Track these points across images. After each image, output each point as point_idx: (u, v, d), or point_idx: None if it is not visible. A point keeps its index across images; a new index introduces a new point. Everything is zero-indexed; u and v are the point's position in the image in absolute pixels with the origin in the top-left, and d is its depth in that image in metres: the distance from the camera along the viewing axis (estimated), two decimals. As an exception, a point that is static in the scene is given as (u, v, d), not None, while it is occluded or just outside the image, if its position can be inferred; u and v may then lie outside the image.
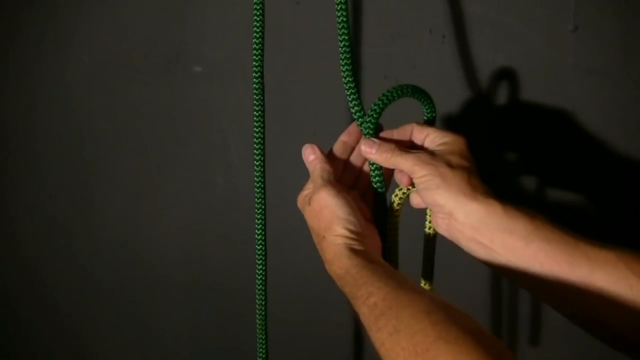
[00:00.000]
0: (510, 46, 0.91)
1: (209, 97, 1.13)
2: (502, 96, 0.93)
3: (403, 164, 0.71)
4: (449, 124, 0.97)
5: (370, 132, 0.75)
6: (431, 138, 0.74)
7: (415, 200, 0.76)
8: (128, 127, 1.24)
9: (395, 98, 0.74)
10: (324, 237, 0.71)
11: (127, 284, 1.38)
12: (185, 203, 1.25)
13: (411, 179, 0.73)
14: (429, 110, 0.78)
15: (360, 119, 0.76)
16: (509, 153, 0.96)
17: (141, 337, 1.42)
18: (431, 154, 0.71)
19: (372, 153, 0.74)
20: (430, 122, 0.78)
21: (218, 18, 1.08)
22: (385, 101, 0.73)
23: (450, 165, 0.69)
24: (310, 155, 0.77)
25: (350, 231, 0.70)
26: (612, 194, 0.92)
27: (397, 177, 0.75)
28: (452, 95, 0.95)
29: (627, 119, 0.89)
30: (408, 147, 0.74)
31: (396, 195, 0.77)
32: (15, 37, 1.29)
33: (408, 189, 0.75)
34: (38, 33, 1.26)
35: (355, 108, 0.75)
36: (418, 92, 0.75)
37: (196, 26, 1.10)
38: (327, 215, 0.71)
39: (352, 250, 0.69)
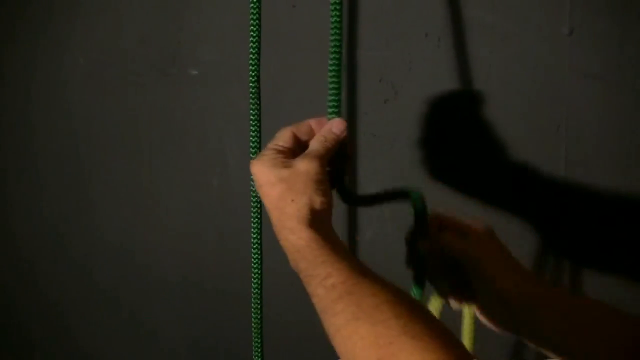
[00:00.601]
0: (505, 49, 0.91)
1: (205, 100, 1.13)
2: (497, 99, 0.93)
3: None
4: (444, 127, 0.97)
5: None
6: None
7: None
8: (124, 130, 1.24)
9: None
10: (292, 200, 0.67)
11: (123, 286, 1.38)
12: (182, 205, 1.25)
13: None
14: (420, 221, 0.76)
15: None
16: (504, 156, 0.96)
17: (137, 338, 1.42)
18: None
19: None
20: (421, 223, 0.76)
21: (215, 21, 1.08)
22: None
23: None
24: (342, 131, 0.74)
25: (322, 206, 0.67)
26: (608, 196, 0.93)
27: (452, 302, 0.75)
28: (447, 98, 0.96)
29: (623, 122, 0.89)
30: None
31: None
32: (11, 38, 1.29)
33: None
34: (34, 35, 1.26)
35: (333, 110, 0.75)
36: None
37: (193, 29, 1.10)
38: (310, 183, 0.67)
39: (317, 224, 0.66)
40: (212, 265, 1.26)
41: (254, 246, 0.88)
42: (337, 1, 0.74)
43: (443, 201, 1.00)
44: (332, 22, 0.74)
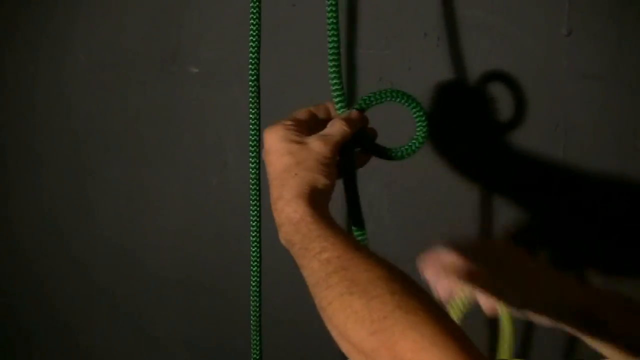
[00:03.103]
0: (504, 50, 0.91)
1: (205, 98, 1.14)
2: (495, 100, 0.93)
3: None
4: (443, 127, 0.97)
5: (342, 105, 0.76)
6: None
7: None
8: (124, 127, 1.24)
9: (380, 101, 0.76)
10: (296, 174, 0.68)
11: (122, 284, 1.38)
12: (181, 203, 1.25)
13: None
14: (420, 127, 0.79)
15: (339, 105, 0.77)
16: (502, 157, 0.96)
17: (135, 336, 1.42)
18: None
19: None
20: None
21: (215, 19, 1.08)
22: (367, 102, 0.76)
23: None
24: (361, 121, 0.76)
25: (324, 188, 0.69)
26: (607, 197, 0.93)
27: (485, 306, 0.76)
28: (446, 98, 0.96)
29: (621, 122, 0.89)
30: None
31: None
32: (11, 36, 1.29)
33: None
34: (35, 32, 1.26)
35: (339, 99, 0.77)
36: (408, 101, 0.78)
37: (193, 27, 1.10)
38: (318, 164, 0.69)
39: (314, 202, 0.66)
40: (211, 264, 1.27)
41: (253, 245, 0.89)
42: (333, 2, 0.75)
43: (441, 199, 1.01)
44: (329, 20, 0.75)
